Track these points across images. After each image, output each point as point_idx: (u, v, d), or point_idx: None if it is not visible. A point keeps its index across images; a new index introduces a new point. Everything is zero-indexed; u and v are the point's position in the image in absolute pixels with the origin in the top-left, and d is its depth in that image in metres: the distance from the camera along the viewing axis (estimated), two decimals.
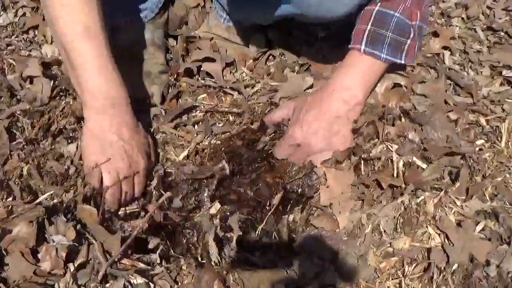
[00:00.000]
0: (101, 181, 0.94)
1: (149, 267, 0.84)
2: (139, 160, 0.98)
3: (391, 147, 1.03)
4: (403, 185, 0.97)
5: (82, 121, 1.06)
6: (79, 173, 1.01)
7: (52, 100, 1.13)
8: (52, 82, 1.14)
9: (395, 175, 0.98)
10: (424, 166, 1.00)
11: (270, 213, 0.99)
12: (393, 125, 1.06)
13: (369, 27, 1.03)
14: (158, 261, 0.86)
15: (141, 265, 0.84)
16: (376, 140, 1.05)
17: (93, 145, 0.95)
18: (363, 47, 1.02)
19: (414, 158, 1.00)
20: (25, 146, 1.02)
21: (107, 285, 0.79)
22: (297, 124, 1.04)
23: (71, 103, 1.13)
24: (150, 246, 0.90)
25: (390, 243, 0.93)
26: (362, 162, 1.02)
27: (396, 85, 1.15)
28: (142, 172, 0.99)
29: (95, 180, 0.94)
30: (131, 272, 0.80)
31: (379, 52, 1.02)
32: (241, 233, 0.92)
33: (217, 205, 0.99)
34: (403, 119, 1.08)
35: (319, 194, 1.01)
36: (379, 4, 1.03)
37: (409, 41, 1.03)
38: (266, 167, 1.08)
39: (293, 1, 1.06)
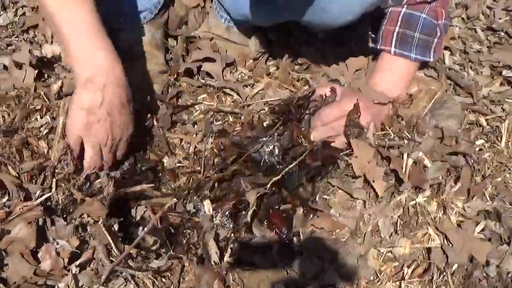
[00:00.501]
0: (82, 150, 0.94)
1: (154, 267, 0.84)
2: (122, 133, 0.98)
3: (405, 142, 1.04)
4: (406, 180, 0.97)
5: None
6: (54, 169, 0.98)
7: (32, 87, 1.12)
8: (36, 71, 1.14)
9: (403, 168, 0.99)
10: (430, 165, 1.00)
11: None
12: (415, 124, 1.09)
13: (397, 29, 1.07)
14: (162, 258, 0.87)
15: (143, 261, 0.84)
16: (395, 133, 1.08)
17: (80, 119, 0.92)
18: (393, 48, 1.08)
19: (423, 156, 1.01)
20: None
21: (109, 283, 0.79)
22: (353, 96, 1.06)
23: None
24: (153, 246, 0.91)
25: (391, 251, 0.93)
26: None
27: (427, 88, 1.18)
28: (121, 144, 1.00)
29: (76, 151, 0.95)
30: (135, 268, 0.80)
31: (409, 53, 1.07)
32: (255, 208, 0.93)
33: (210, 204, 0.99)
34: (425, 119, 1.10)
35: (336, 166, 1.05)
36: (405, 6, 1.06)
37: (436, 39, 1.08)
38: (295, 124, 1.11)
39: (307, 13, 1.06)
